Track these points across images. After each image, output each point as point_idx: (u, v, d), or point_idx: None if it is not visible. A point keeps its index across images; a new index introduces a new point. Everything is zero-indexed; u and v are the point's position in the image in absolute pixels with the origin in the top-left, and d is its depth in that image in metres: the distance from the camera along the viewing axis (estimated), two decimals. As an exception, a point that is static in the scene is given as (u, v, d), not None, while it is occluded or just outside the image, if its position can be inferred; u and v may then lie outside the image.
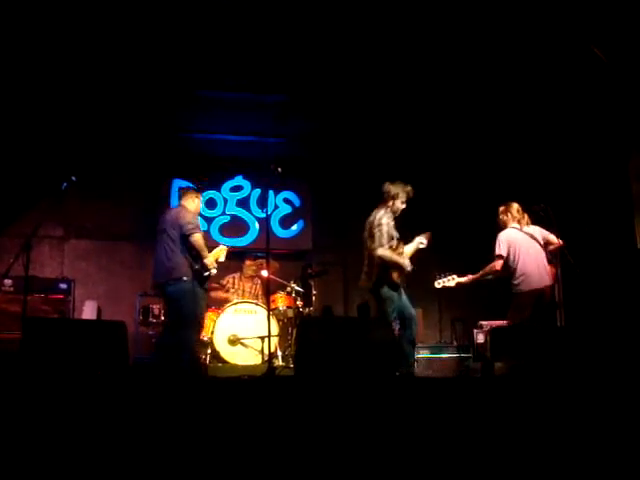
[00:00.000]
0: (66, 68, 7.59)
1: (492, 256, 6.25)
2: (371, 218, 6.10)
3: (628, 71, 7.06)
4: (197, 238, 6.05)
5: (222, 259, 6.44)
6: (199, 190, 6.59)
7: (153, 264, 6.22)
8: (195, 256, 6.06)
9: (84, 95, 8.07)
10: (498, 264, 6.19)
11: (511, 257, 6.17)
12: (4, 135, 8.04)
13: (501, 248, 6.20)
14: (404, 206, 6.20)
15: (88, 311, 7.80)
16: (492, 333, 5.53)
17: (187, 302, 5.94)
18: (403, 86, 8.23)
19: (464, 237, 9.06)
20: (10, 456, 3.09)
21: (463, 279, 6.29)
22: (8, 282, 6.91)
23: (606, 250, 7.49)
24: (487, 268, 6.27)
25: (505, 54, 7.48)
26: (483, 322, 7.56)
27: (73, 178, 5.85)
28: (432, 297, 9.30)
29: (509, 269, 6.18)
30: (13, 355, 5.40)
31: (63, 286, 7.42)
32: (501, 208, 6.46)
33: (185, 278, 5.95)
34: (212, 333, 7.24)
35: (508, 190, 8.41)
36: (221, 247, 6.54)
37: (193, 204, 6.39)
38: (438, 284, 6.31)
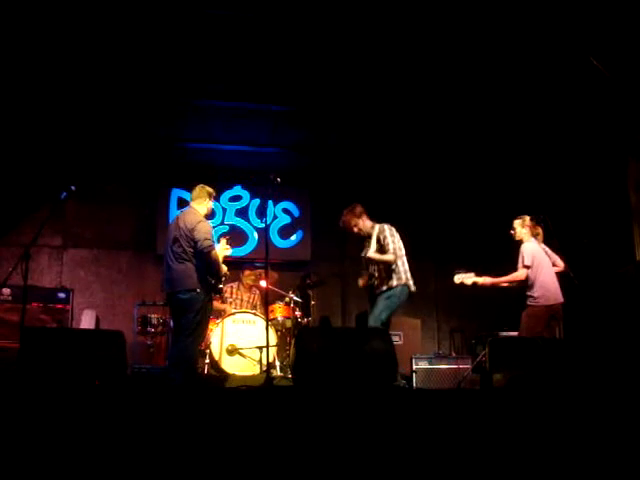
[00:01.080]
0: (64, 76, 7.60)
1: (517, 266, 6.24)
2: None
3: (626, 80, 7.09)
4: (215, 254, 5.95)
5: (229, 252, 6.39)
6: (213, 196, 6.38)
7: (164, 272, 6.07)
8: (208, 268, 5.94)
9: (83, 105, 8.09)
10: (523, 274, 6.19)
11: (534, 270, 6.18)
12: (3, 145, 8.06)
13: (528, 259, 6.20)
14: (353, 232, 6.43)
15: (86, 320, 7.79)
16: (491, 344, 5.52)
17: (196, 313, 5.83)
18: (403, 96, 8.25)
19: (462, 245, 9.09)
20: (8, 465, 3.08)
21: (480, 280, 6.29)
22: (7, 291, 6.90)
23: (605, 262, 7.50)
24: (511, 276, 6.27)
25: (504, 66, 7.52)
26: (482, 333, 7.56)
27: (72, 187, 5.83)
28: (430, 308, 9.33)
29: (528, 281, 6.19)
30: (11, 364, 5.39)
31: (62, 295, 7.41)
32: (517, 221, 6.47)
33: (198, 290, 5.83)
34: (210, 343, 7.23)
35: (507, 199, 8.46)
36: (221, 244, 6.40)
37: (204, 208, 6.18)
38: (458, 279, 6.30)
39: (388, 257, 6.14)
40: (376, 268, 6.25)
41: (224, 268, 6.13)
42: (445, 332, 9.26)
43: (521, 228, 6.44)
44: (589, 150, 7.89)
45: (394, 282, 6.16)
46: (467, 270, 6.34)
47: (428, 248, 9.37)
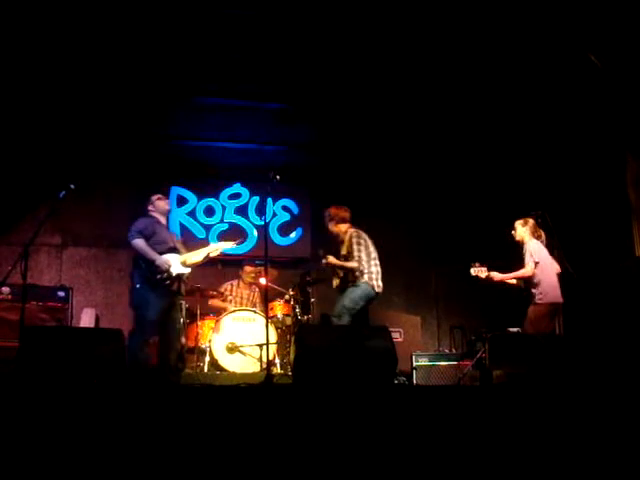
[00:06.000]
0: (62, 74, 7.60)
1: (525, 262, 6.27)
2: None
3: (624, 77, 7.09)
4: (135, 244, 6.08)
5: (217, 252, 6.56)
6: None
7: None
8: (148, 261, 6.04)
9: (82, 103, 8.08)
10: (531, 270, 6.22)
11: (540, 267, 6.21)
12: (2, 143, 8.05)
13: (535, 256, 6.23)
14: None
15: (86, 319, 7.78)
16: (491, 341, 5.52)
17: (137, 308, 6.09)
18: (403, 94, 8.25)
19: (464, 243, 9.08)
20: (7, 464, 3.08)
21: (492, 274, 6.41)
22: (6, 290, 6.88)
23: (604, 258, 7.49)
24: (519, 272, 6.32)
25: (502, 63, 7.52)
26: (482, 330, 7.56)
27: (71, 186, 5.84)
28: (430, 305, 9.33)
29: (533, 278, 6.21)
30: (11, 363, 5.37)
31: (61, 294, 7.38)
32: (519, 221, 6.50)
33: (138, 285, 6.03)
34: (210, 341, 7.23)
35: (507, 197, 8.45)
36: (211, 246, 6.61)
37: (155, 210, 6.42)
38: (474, 272, 6.45)
39: (351, 264, 6.48)
40: (342, 272, 6.61)
41: (164, 260, 6.05)
42: (445, 329, 9.25)
43: (522, 228, 6.46)
44: (588, 147, 7.89)
45: (357, 281, 6.49)
46: (481, 264, 6.47)
47: (428, 246, 9.37)
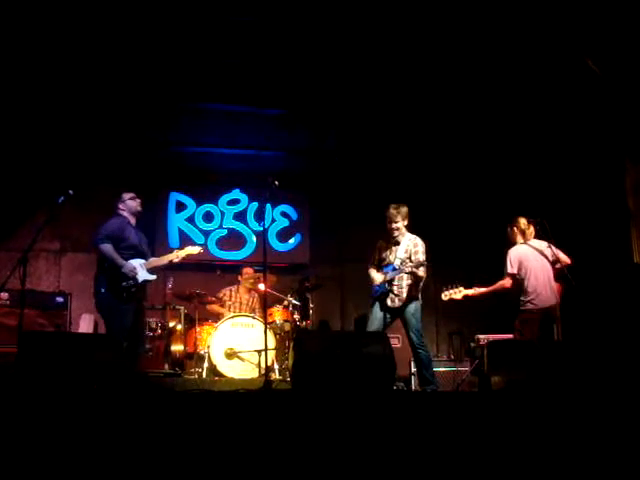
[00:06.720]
0: (61, 80, 7.62)
1: (503, 272, 6.22)
2: None
3: (623, 83, 7.10)
4: (102, 248, 5.96)
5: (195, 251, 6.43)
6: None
7: None
8: (114, 267, 5.93)
9: (80, 108, 8.10)
10: (508, 282, 6.15)
11: (522, 274, 6.14)
12: (1, 149, 8.05)
13: (512, 265, 6.16)
14: (389, 226, 6.25)
15: (85, 324, 7.77)
16: (489, 347, 5.51)
17: (112, 318, 5.93)
18: (401, 100, 8.28)
19: (463, 249, 9.09)
20: (6, 469, 3.07)
21: (470, 292, 6.24)
22: (4, 296, 6.88)
23: (603, 264, 7.49)
24: (497, 285, 6.23)
25: (501, 71, 7.55)
26: (481, 336, 7.56)
27: (70, 192, 5.83)
28: (429, 311, 9.30)
29: (519, 286, 6.15)
30: (10, 369, 5.37)
31: (60, 300, 7.39)
32: (509, 225, 6.45)
33: (102, 290, 5.93)
34: (209, 347, 7.23)
35: (506, 204, 8.46)
36: (188, 248, 6.45)
37: (125, 210, 6.23)
38: (445, 296, 6.26)
39: (422, 274, 6.13)
40: (404, 278, 6.16)
41: (131, 267, 5.98)
42: (444, 335, 9.25)
43: (510, 230, 6.42)
44: (587, 153, 7.90)
45: (419, 294, 6.19)
46: (454, 285, 6.27)
47: (426, 250, 9.36)
